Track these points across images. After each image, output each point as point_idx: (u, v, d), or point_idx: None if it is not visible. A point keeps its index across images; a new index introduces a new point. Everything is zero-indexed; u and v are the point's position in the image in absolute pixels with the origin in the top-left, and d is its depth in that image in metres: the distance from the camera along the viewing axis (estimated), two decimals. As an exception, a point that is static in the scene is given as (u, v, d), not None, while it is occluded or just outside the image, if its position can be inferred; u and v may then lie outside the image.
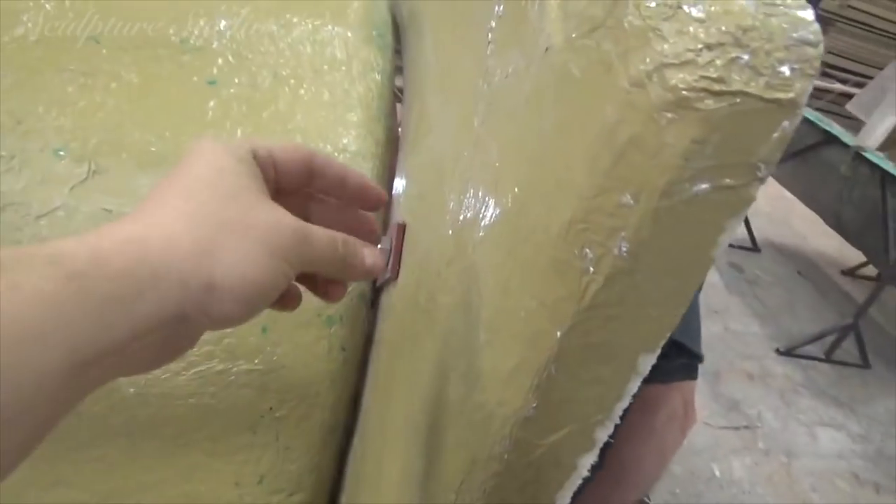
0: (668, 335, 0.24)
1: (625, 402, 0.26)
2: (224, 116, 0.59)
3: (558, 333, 0.23)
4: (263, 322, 0.55)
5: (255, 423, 0.55)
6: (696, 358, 0.93)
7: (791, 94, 0.19)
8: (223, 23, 0.63)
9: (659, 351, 0.24)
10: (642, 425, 0.94)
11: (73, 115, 0.55)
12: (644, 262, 0.22)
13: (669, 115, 0.20)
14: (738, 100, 0.19)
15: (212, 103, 0.59)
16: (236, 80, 0.61)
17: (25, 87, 0.54)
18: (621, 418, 0.75)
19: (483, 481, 0.27)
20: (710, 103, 0.19)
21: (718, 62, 0.19)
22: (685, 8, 0.20)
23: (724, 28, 0.19)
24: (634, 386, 0.25)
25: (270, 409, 0.55)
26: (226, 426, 0.55)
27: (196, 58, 0.61)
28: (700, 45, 0.19)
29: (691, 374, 0.94)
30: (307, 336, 0.56)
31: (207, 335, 0.54)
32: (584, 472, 0.27)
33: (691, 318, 0.93)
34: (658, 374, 0.96)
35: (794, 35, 0.19)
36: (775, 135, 0.19)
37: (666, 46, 0.20)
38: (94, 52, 0.57)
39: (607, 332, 0.24)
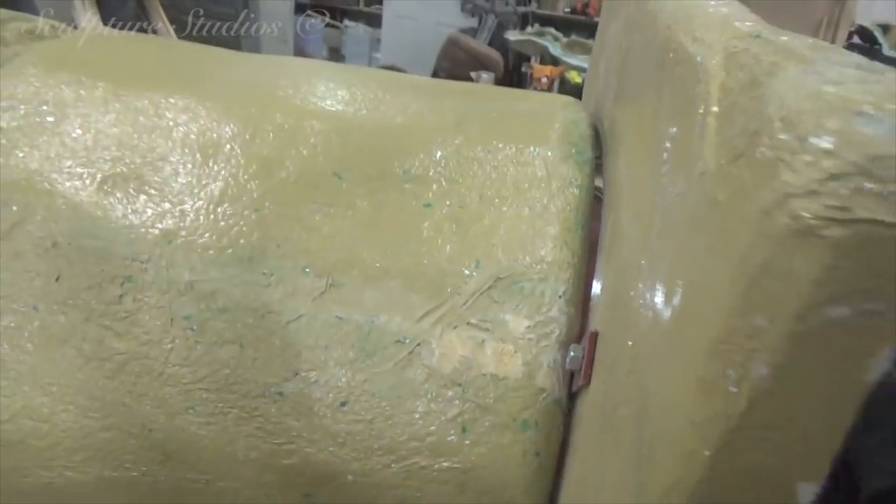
0: (828, 464, 0.23)
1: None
2: (436, 234, 0.67)
3: (707, 454, 0.24)
4: (463, 422, 0.59)
5: (455, 520, 0.59)
6: None
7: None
8: (439, 153, 0.73)
9: (820, 480, 0.23)
10: None
11: (318, 238, 0.66)
12: (787, 384, 0.22)
13: (796, 242, 0.20)
14: (865, 227, 0.19)
15: (426, 223, 0.67)
16: (448, 203, 0.69)
17: (285, 218, 0.67)
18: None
19: None
20: (836, 231, 0.19)
21: (843, 191, 0.19)
22: (812, 140, 0.21)
23: (850, 158, 0.20)
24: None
25: (469, 507, 0.58)
26: (428, 521, 0.59)
27: (415, 185, 0.70)
28: (826, 176, 0.20)
29: None
30: (503, 439, 0.58)
31: (410, 431, 0.59)
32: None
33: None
34: None
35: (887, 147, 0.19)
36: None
37: (792, 177, 0.21)
38: (336, 186, 0.70)
39: (760, 454, 0.23)
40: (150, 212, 0.68)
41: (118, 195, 0.69)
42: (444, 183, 0.70)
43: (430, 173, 0.72)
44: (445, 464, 0.59)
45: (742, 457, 0.23)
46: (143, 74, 0.87)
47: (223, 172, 0.70)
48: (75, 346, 0.63)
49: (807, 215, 0.20)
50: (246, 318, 0.63)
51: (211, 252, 0.65)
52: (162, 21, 3.45)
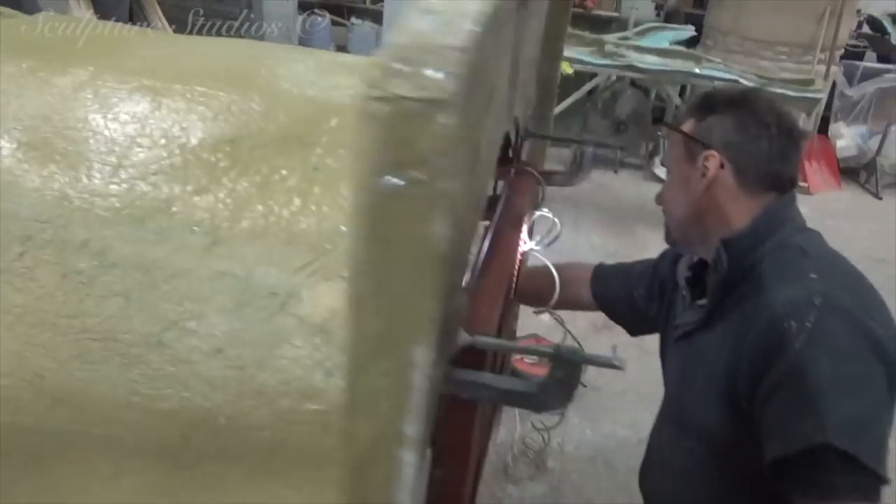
0: (432, 330, 0.25)
1: (421, 398, 0.27)
2: (321, 194, 0.70)
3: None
4: (328, 367, 0.62)
5: (321, 459, 0.62)
6: (877, 478, 0.78)
7: (439, 94, 0.21)
8: (334, 121, 0.76)
9: (429, 345, 0.26)
10: None
11: (209, 201, 0.70)
12: (374, 251, 0.24)
13: (364, 122, 0.23)
14: (398, 103, 0.22)
15: (314, 186, 0.71)
16: (334, 166, 0.72)
17: (178, 181, 0.71)
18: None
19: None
20: (377, 107, 0.22)
21: (383, 75, 0.22)
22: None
23: (393, 49, 0.23)
24: (421, 380, 0.27)
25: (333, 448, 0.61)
26: (296, 460, 0.62)
27: (306, 150, 0.74)
28: (378, 62, 0.23)
29: (868, 496, 0.79)
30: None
31: (279, 376, 0.63)
32: (410, 469, 0.29)
33: (874, 431, 0.79)
34: (824, 490, 0.84)
35: (446, 43, 0.22)
36: (434, 129, 0.21)
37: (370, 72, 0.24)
38: (230, 153, 0.73)
39: (377, 323, 0.26)
40: (55, 177, 0.72)
41: (28, 163, 0.74)
42: (331, 149, 0.74)
43: (322, 138, 0.75)
44: (311, 406, 0.62)
45: (364, 326, 0.26)
46: (72, 50, 0.91)
47: (123, 142, 0.74)
48: (-21, 300, 0.68)
49: (367, 98, 0.23)
50: (133, 273, 0.67)
51: (105, 213, 0.69)
52: (159, 20, 3.50)
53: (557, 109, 3.77)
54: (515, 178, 1.10)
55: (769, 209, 0.93)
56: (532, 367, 2.14)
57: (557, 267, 1.22)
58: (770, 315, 0.83)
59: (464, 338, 0.68)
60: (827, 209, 4.39)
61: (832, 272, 0.87)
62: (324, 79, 0.89)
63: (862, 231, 3.98)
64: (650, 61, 3.47)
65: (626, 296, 1.27)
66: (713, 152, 0.94)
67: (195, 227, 0.69)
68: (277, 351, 0.63)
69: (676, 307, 1.14)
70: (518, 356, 2.20)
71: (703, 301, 1.03)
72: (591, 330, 2.55)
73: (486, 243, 0.88)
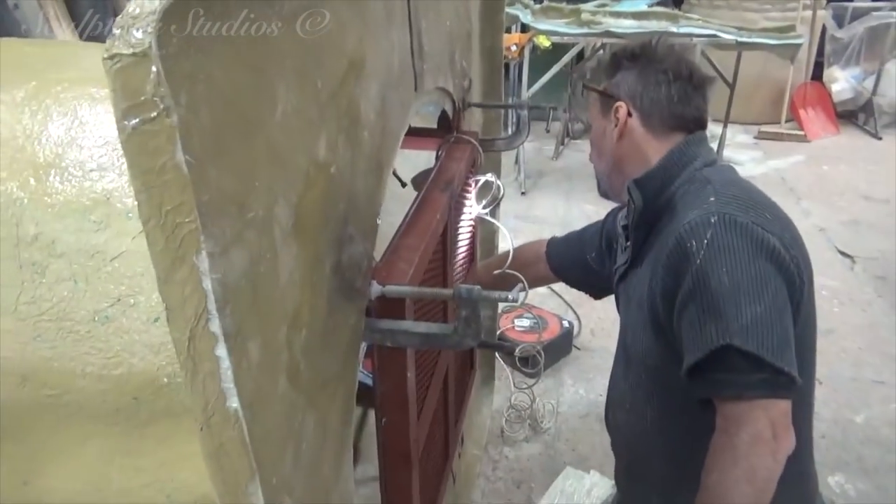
0: (201, 243, 0.32)
1: (218, 301, 0.34)
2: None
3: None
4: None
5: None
6: (780, 374, 0.83)
7: (141, 49, 0.28)
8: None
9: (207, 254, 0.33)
10: (724, 447, 0.87)
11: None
12: (139, 183, 0.31)
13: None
14: (119, 59, 0.29)
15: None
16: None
17: (113, 174, 0.79)
18: (704, 440, 0.81)
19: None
20: (107, 65, 0.29)
21: (112, 39, 0.29)
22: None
23: (117, 21, 0.30)
24: (212, 285, 0.34)
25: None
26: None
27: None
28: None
29: (776, 391, 0.84)
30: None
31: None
32: (227, 364, 0.36)
33: (775, 331, 0.84)
34: (733, 389, 0.91)
35: (147, 8, 0.28)
36: (151, 76, 0.28)
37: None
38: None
39: (162, 241, 0.33)
40: (5, 182, 0.81)
41: (-17, 173, 0.82)
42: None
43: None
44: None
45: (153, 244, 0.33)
46: (19, 69, 0.99)
47: (65, 144, 0.82)
48: (-52, 297, 0.76)
49: (102, 58, 0.30)
50: (79, 259, 0.75)
51: (52, 209, 0.77)
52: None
53: (540, 82, 3.81)
54: (452, 145, 1.17)
55: (676, 148, 0.99)
56: (523, 335, 2.21)
57: (517, 248, 1.29)
58: (675, 238, 0.88)
59: (374, 288, 0.75)
60: (826, 155, 4.38)
61: (730, 194, 0.92)
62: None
63: (860, 173, 3.97)
64: (626, 25, 3.49)
65: (580, 262, 1.33)
66: (621, 103, 1.00)
67: (130, 214, 0.77)
68: (208, 314, 0.71)
69: (618, 257, 1.19)
70: (509, 325, 2.27)
71: (629, 243, 1.09)
72: (584, 296, 2.60)
73: (413, 206, 0.94)
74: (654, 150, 1.00)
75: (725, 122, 3.92)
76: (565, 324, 2.26)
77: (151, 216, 0.33)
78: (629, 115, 1.00)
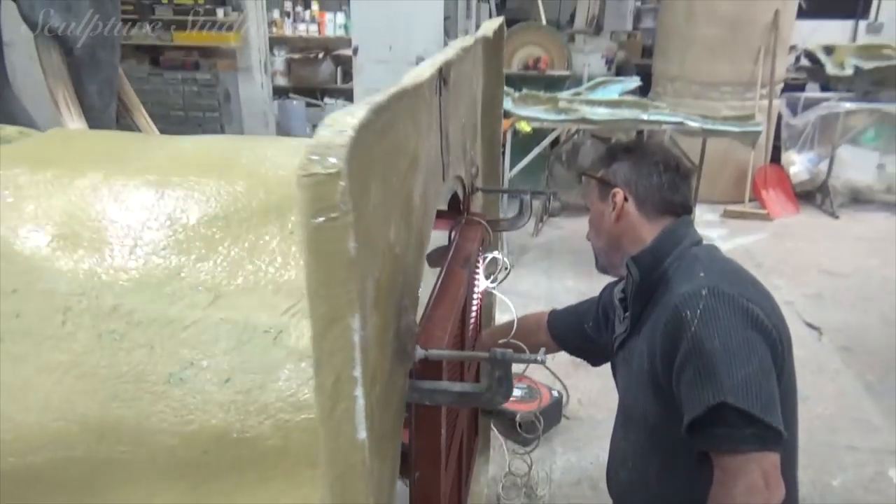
0: (357, 305, 0.43)
1: (360, 354, 0.45)
2: (298, 251, 0.88)
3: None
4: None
5: (314, 459, 0.78)
6: (769, 429, 0.95)
7: (333, 170, 0.40)
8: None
9: (359, 316, 0.44)
10: (722, 497, 0.97)
11: (209, 265, 0.88)
12: (313, 263, 0.43)
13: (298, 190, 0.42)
14: (316, 176, 0.41)
15: (292, 246, 0.89)
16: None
17: (183, 252, 0.90)
18: (701, 492, 0.96)
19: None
20: (305, 180, 0.41)
21: (306, 161, 0.41)
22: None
23: (314, 144, 0.42)
24: (359, 340, 0.44)
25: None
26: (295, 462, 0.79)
27: (282, 218, 0.92)
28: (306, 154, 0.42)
29: (766, 445, 0.96)
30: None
31: (276, 395, 0.79)
32: (361, 402, 0.46)
33: (763, 391, 0.96)
34: (728, 443, 1.03)
35: (337, 143, 0.41)
36: (338, 190, 0.40)
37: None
38: (222, 227, 0.92)
39: (324, 306, 0.44)
40: (84, 260, 0.91)
41: (61, 250, 0.92)
42: (304, 214, 0.93)
43: (296, 209, 0.94)
44: (304, 416, 0.79)
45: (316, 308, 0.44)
46: (85, 159, 1.11)
47: (137, 226, 0.93)
48: (31, 363, 0.85)
49: (298, 174, 0.42)
50: (155, 327, 0.84)
51: (129, 283, 0.88)
52: (145, 120, 3.75)
53: (521, 164, 4.04)
54: (465, 226, 1.30)
55: (667, 230, 1.13)
56: (516, 405, 2.29)
57: (520, 318, 1.41)
58: (671, 308, 1.02)
59: (419, 352, 0.86)
60: (787, 233, 4.64)
61: (717, 270, 1.06)
62: (291, 160, 1.09)
63: (821, 250, 4.22)
64: (601, 113, 3.75)
65: (578, 331, 1.45)
66: (618, 189, 1.16)
67: (200, 287, 0.87)
68: (273, 375, 0.81)
69: (616, 326, 1.32)
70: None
71: (628, 314, 1.22)
72: (570, 367, 2.71)
73: (439, 280, 1.06)
74: (648, 230, 1.14)
75: (693, 201, 4.15)
76: (555, 393, 2.36)
77: (320, 287, 0.44)
78: (625, 199, 1.15)
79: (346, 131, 0.42)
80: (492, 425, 2.20)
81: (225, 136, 1.33)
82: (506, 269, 1.34)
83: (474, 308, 1.36)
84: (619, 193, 1.15)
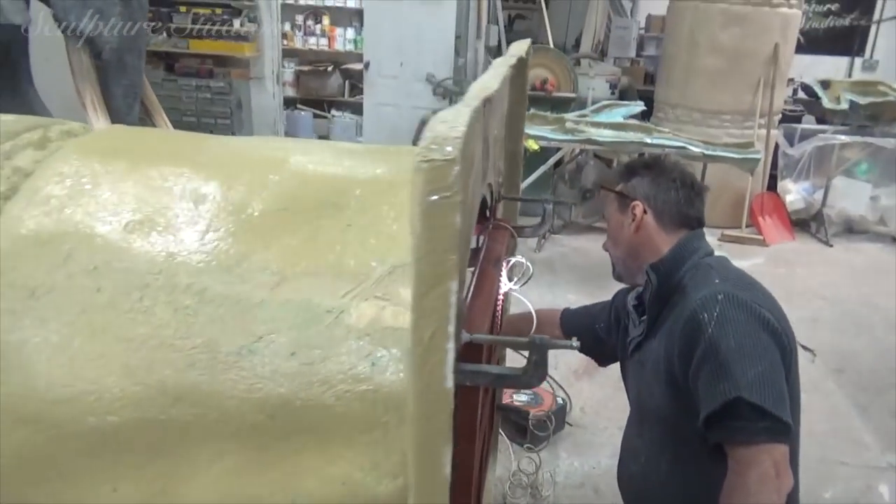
0: (456, 273, 0.53)
1: (454, 312, 0.54)
2: (355, 241, 0.98)
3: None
4: (373, 359, 0.88)
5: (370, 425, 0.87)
6: (780, 423, 1.04)
7: (450, 157, 0.49)
8: (358, 191, 1.05)
9: (456, 280, 0.53)
10: (736, 486, 1.06)
11: (275, 249, 0.97)
12: (425, 234, 0.52)
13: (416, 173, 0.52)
14: (433, 162, 0.50)
15: (349, 235, 0.99)
16: (362, 222, 1.00)
17: (251, 239, 0.99)
18: (712, 484, 1.09)
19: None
20: (425, 165, 0.51)
21: (425, 148, 0.51)
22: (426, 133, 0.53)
23: (429, 136, 0.51)
24: (454, 300, 0.54)
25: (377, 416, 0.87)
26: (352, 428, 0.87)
27: (341, 211, 1.02)
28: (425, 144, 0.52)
29: (776, 437, 1.05)
30: (399, 367, 0.87)
31: (337, 368, 0.88)
32: (451, 355, 0.55)
33: (774, 387, 1.06)
34: (742, 435, 1.13)
35: (451, 135, 0.50)
36: (453, 173, 0.50)
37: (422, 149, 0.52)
38: (286, 216, 1.01)
39: (430, 268, 0.54)
40: (159, 242, 1.00)
41: (137, 233, 1.01)
42: (358, 210, 1.02)
43: (351, 203, 1.04)
44: (362, 387, 0.88)
45: (421, 269, 0.54)
46: (152, 153, 1.20)
47: (208, 214, 1.02)
48: (112, 332, 0.93)
49: (419, 161, 0.51)
50: (226, 304, 0.93)
51: (201, 264, 0.97)
52: (163, 121, 3.85)
53: (528, 181, 4.16)
54: (493, 231, 1.39)
55: (683, 241, 1.24)
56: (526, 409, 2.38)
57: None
58: (689, 311, 1.11)
59: (465, 336, 0.95)
60: (782, 259, 4.76)
61: (732, 278, 1.16)
62: (337, 161, 1.18)
63: (815, 276, 4.34)
64: (606, 134, 3.88)
65: (590, 330, 1.55)
66: (638, 202, 1.26)
67: (266, 270, 0.96)
68: (335, 350, 0.89)
69: (630, 330, 1.42)
70: (508, 399, 2.44)
71: (645, 317, 1.31)
72: (572, 377, 2.80)
73: (475, 276, 1.16)
74: (665, 241, 1.24)
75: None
76: (559, 400, 2.44)
77: (428, 253, 0.53)
78: (644, 212, 1.26)
79: (459, 127, 0.52)
80: (499, 429, 2.28)
81: (270, 138, 1.42)
82: (528, 272, 1.44)
83: (498, 306, 1.45)
84: (639, 206, 1.25)
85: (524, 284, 1.46)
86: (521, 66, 1.67)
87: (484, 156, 1.14)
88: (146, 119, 3.56)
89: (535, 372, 0.95)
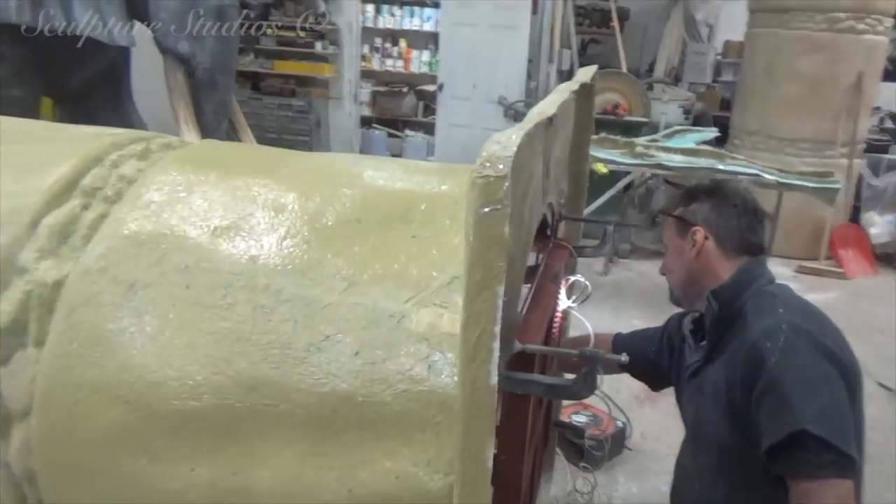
0: (503, 279, 0.58)
1: (500, 316, 0.60)
2: (418, 253, 1.05)
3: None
4: (430, 362, 0.94)
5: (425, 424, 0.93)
6: (844, 457, 1.02)
7: (502, 174, 0.55)
8: (423, 205, 1.12)
9: (503, 287, 0.58)
10: None
11: (345, 257, 1.05)
12: (477, 242, 0.58)
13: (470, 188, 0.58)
14: (487, 178, 0.56)
15: (413, 247, 1.05)
16: (426, 234, 1.07)
17: (323, 246, 1.07)
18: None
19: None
20: (479, 181, 0.57)
21: (479, 165, 0.57)
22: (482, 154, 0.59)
23: (484, 155, 0.57)
24: (500, 305, 0.59)
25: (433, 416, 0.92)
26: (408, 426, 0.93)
27: (407, 224, 1.09)
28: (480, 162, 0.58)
29: (842, 472, 1.03)
30: (454, 370, 0.93)
31: (397, 368, 0.95)
32: (497, 354, 0.61)
33: (839, 420, 1.05)
34: (807, 468, 1.13)
35: (504, 155, 0.56)
36: (503, 188, 0.55)
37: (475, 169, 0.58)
38: (357, 227, 1.09)
39: (480, 273, 0.59)
40: (241, 246, 1.09)
41: (223, 237, 1.11)
42: (423, 224, 1.09)
43: (417, 217, 1.11)
44: (419, 388, 0.94)
45: (472, 275, 0.60)
46: (239, 166, 1.31)
47: (287, 222, 1.11)
48: (197, 325, 1.03)
49: (474, 176, 0.57)
50: (299, 305, 1.02)
51: (279, 268, 1.06)
52: (248, 137, 4.08)
53: (596, 203, 4.16)
54: (553, 249, 1.44)
55: (744, 268, 1.24)
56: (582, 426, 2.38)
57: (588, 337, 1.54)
58: (752, 340, 1.12)
59: (517, 345, 1.00)
60: (865, 294, 4.55)
61: (796, 308, 1.16)
62: (407, 177, 1.26)
63: (900, 314, 4.13)
64: (677, 160, 3.85)
65: (643, 354, 1.56)
66: (699, 228, 1.27)
67: (336, 276, 1.04)
68: (396, 352, 0.96)
69: (685, 355, 1.42)
70: (567, 420, 2.45)
71: (704, 343, 1.32)
72: (634, 402, 2.78)
73: (532, 291, 1.20)
74: (726, 268, 1.25)
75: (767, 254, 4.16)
76: (619, 423, 2.43)
77: (479, 259, 0.59)
78: (706, 238, 1.27)
79: (511, 147, 0.57)
80: (556, 449, 2.30)
81: (345, 155, 1.52)
82: (587, 291, 1.47)
83: (556, 322, 1.48)
84: (700, 232, 1.26)
85: (583, 303, 1.49)
86: (586, 91, 1.71)
87: (544, 175, 1.19)
88: (232, 134, 3.80)
89: (585, 383, 0.99)
